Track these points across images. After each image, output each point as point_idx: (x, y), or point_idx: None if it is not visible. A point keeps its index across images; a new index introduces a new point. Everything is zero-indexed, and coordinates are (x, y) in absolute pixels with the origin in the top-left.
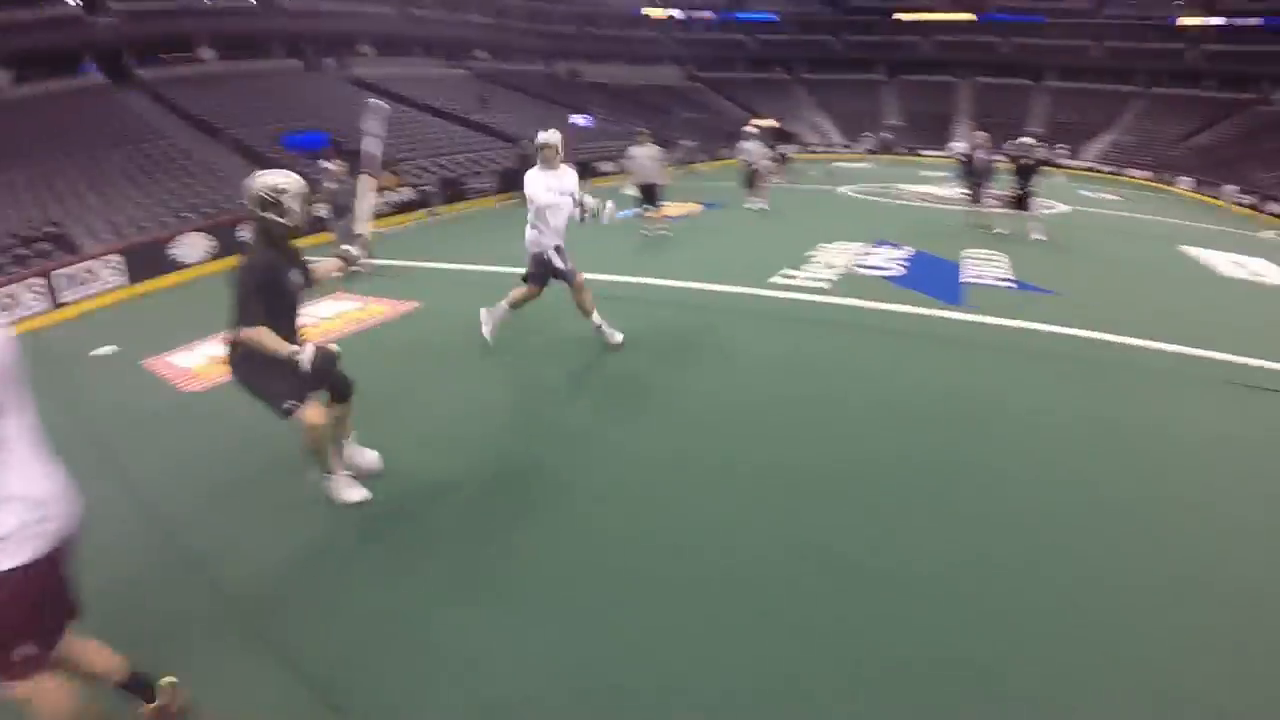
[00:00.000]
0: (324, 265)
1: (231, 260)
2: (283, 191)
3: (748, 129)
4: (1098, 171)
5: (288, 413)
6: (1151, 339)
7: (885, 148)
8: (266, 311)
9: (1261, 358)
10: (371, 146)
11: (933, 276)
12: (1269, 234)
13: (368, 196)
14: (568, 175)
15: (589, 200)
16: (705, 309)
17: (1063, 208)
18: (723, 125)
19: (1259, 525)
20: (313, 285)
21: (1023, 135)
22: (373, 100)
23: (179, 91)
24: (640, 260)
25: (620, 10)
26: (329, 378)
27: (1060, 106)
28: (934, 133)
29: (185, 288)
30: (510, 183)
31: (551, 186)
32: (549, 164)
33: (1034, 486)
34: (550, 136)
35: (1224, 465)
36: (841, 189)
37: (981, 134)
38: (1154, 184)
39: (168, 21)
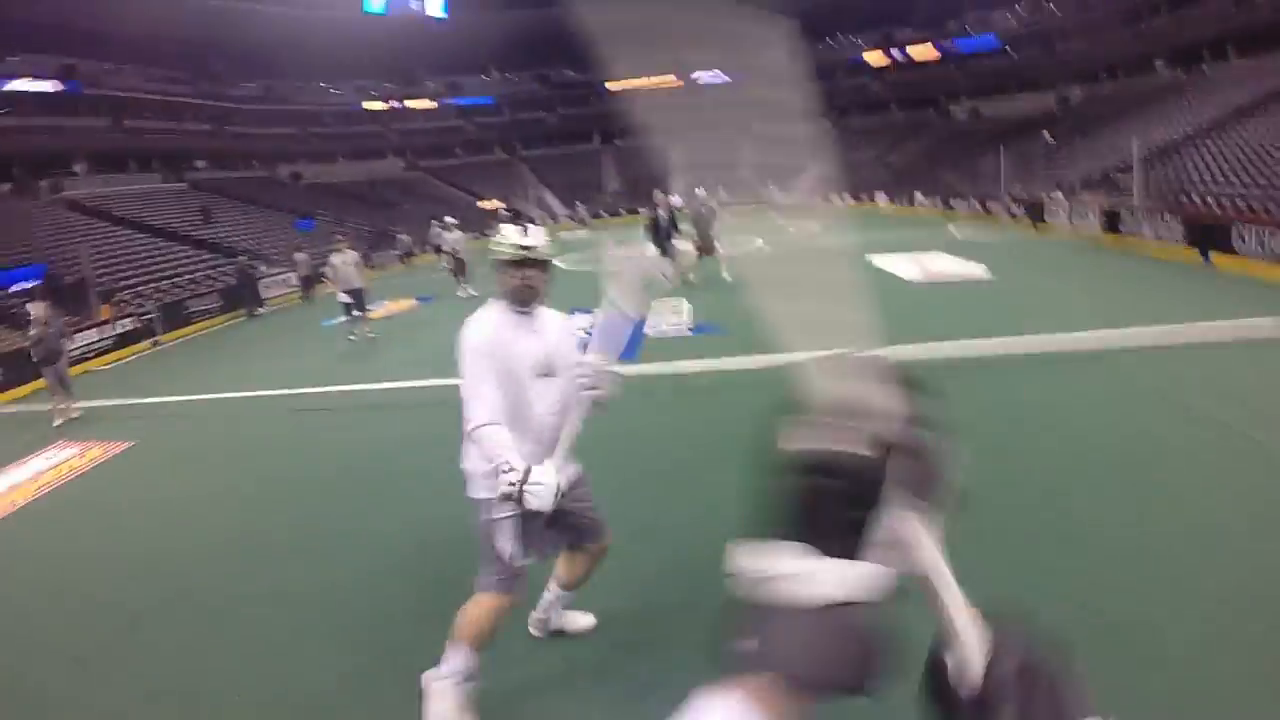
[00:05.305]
0: None
1: None
2: None
3: (448, 219)
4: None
5: None
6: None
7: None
8: None
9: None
10: None
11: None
12: (954, 231)
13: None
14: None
15: None
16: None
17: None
18: (451, 213)
19: None
20: None
21: (697, 190)
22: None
23: None
24: (348, 368)
25: (340, 106)
26: None
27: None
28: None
29: None
30: (234, 301)
31: None
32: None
33: None
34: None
35: None
36: (557, 261)
37: (662, 195)
38: (858, 204)
39: None
